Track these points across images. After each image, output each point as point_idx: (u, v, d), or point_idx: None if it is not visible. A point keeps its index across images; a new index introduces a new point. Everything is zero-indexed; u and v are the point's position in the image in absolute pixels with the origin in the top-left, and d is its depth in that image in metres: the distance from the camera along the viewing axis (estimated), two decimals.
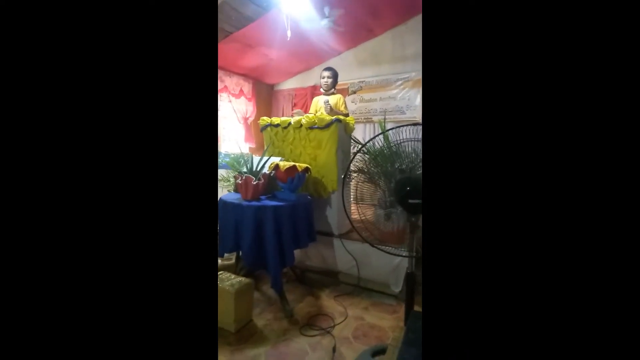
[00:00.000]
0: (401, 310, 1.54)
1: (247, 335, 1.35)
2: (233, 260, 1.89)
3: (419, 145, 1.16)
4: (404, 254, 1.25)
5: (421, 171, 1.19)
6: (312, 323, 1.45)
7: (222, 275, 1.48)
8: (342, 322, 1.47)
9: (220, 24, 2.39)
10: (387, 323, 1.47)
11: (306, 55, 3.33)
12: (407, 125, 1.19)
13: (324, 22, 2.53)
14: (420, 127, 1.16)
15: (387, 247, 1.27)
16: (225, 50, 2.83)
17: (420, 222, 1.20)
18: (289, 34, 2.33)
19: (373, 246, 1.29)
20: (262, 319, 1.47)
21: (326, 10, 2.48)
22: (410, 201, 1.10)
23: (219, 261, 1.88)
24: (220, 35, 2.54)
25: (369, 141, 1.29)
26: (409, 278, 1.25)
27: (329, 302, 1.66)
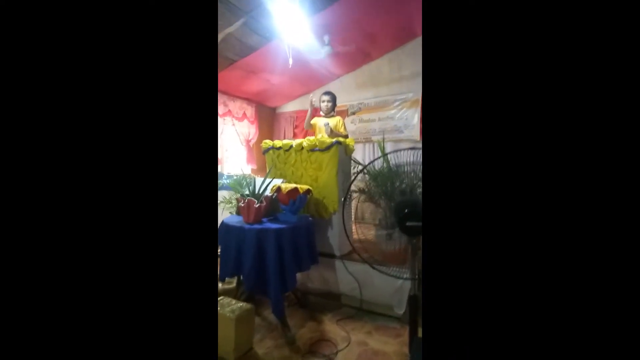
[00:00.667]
0: (405, 334, 1.50)
1: None
2: (234, 285, 1.87)
3: (418, 167, 1.19)
4: (405, 277, 1.24)
5: (420, 191, 1.21)
6: (315, 350, 1.41)
7: (223, 300, 1.47)
8: (345, 348, 1.43)
9: (224, 53, 2.52)
10: (391, 348, 1.43)
11: (307, 79, 3.46)
12: (405, 149, 1.23)
13: (324, 50, 2.65)
14: (417, 151, 1.20)
15: (389, 269, 1.26)
16: (229, 76, 2.95)
17: (421, 244, 1.20)
18: (290, 61, 2.45)
19: (373, 268, 1.28)
20: (262, 347, 1.44)
21: (326, 38, 2.61)
22: (408, 224, 1.11)
23: (220, 285, 1.86)
24: (224, 63, 2.67)
25: (369, 163, 1.32)
26: (412, 301, 1.24)
27: (332, 327, 1.62)
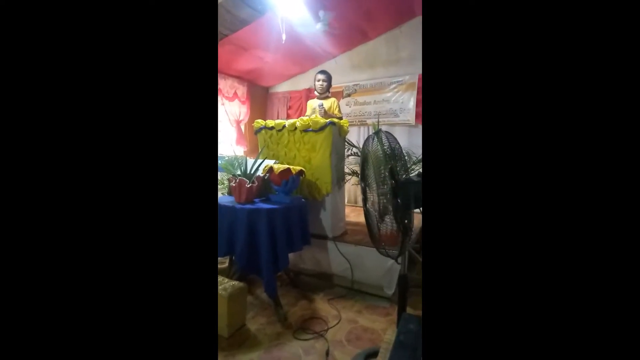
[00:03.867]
0: (394, 313, 1.54)
1: (240, 340, 1.34)
2: (226, 264, 1.88)
3: (411, 149, 1.18)
4: (396, 257, 1.26)
5: (414, 174, 1.20)
6: (306, 327, 1.44)
7: None
8: (335, 325, 1.47)
9: None
10: (381, 325, 1.47)
11: (301, 58, 3.34)
12: (397, 124, 1.21)
13: (319, 26, 2.54)
14: (411, 130, 1.19)
15: (387, 250, 1.27)
16: (220, 52, 2.82)
17: (412, 225, 1.21)
18: (283, 37, 2.34)
19: (387, 252, 1.28)
20: (255, 323, 1.46)
21: (321, 14, 2.50)
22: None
23: None
24: None
25: (364, 143, 1.30)
26: (402, 280, 1.26)
27: (323, 306, 1.65)
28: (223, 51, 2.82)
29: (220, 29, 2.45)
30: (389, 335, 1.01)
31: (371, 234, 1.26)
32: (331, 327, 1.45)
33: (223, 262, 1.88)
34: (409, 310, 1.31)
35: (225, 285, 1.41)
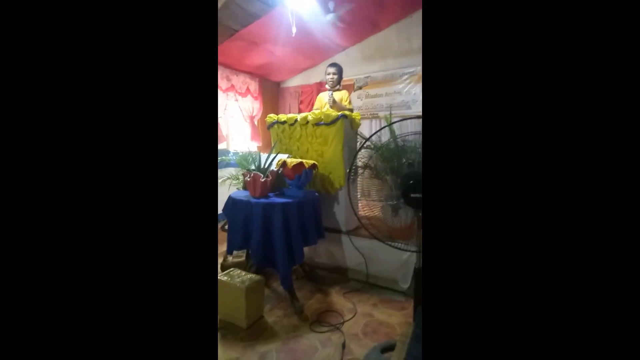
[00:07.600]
0: (410, 307, 1.54)
1: (258, 331, 1.37)
2: (243, 258, 1.91)
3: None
4: (412, 249, 1.24)
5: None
6: (322, 319, 1.46)
7: (233, 272, 1.50)
8: (351, 318, 1.48)
9: (225, 22, 2.40)
10: (396, 319, 1.47)
11: (311, 51, 3.31)
12: (411, 118, 1.19)
13: (329, 17, 2.50)
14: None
15: (396, 243, 1.26)
16: (231, 48, 2.83)
17: None
18: (294, 30, 2.33)
19: (385, 243, 1.28)
20: (272, 315, 1.49)
21: (331, 5, 2.46)
22: (412, 195, 1.10)
23: (230, 258, 1.91)
24: (226, 33, 2.55)
25: (372, 135, 1.28)
26: (417, 274, 1.25)
27: (338, 299, 1.66)
28: (234, 46, 2.83)
29: (231, 23, 2.45)
30: (405, 329, 1.01)
31: (382, 230, 1.25)
32: (347, 320, 1.45)
33: (240, 256, 1.92)
34: None
35: (243, 277, 1.44)
